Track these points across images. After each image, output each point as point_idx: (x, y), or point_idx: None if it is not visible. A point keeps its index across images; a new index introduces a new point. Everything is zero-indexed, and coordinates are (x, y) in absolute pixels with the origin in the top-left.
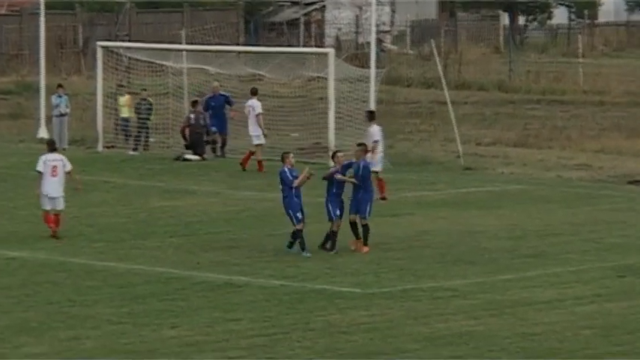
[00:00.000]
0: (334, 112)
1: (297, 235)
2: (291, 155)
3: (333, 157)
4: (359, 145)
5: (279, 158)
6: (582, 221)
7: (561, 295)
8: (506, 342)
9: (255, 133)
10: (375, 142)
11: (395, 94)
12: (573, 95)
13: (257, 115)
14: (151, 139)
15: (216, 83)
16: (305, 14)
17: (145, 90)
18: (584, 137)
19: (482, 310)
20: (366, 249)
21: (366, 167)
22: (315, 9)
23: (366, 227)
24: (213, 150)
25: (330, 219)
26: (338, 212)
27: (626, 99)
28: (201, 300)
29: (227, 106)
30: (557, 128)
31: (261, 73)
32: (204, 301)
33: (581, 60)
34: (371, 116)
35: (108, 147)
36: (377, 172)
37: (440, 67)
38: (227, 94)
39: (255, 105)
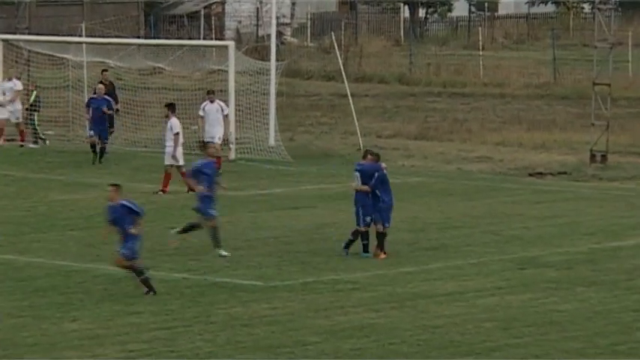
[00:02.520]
0: (234, 105)
1: (362, 236)
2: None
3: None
4: (371, 154)
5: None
6: (483, 214)
7: (462, 288)
8: (407, 334)
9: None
10: (177, 134)
11: (295, 86)
12: (474, 88)
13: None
14: (50, 132)
15: (100, 86)
16: (205, 7)
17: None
18: (485, 130)
19: (383, 302)
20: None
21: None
22: (216, 2)
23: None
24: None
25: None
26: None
27: (527, 91)
28: (102, 293)
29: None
30: (457, 121)
31: (161, 66)
32: (105, 294)
33: (481, 53)
34: (171, 108)
35: (8, 140)
36: (180, 167)
37: (340, 60)
38: (109, 99)
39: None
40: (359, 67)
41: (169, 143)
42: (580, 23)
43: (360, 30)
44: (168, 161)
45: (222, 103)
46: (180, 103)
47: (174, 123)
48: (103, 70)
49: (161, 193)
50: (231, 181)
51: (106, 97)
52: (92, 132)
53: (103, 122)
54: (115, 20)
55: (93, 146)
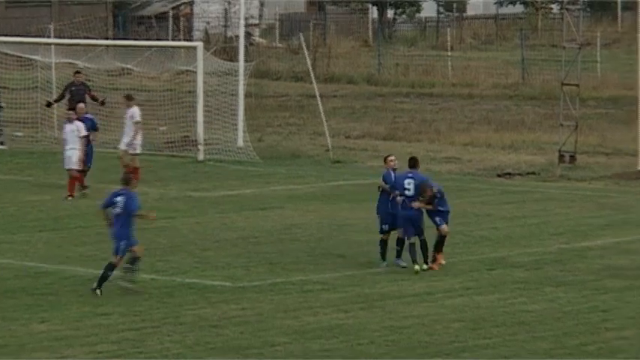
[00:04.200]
0: (203, 106)
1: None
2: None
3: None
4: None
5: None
6: (452, 214)
7: (431, 288)
8: (376, 335)
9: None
10: (137, 123)
11: (264, 87)
12: (442, 88)
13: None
14: (19, 134)
15: (81, 105)
16: (173, 8)
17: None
18: (453, 130)
19: (351, 303)
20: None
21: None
22: (184, 3)
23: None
24: None
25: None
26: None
27: (495, 92)
28: (71, 294)
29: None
30: (426, 121)
31: (129, 66)
32: (74, 295)
33: (449, 53)
34: (130, 97)
35: None
36: (136, 155)
37: (309, 61)
38: (92, 118)
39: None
40: (327, 68)
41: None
42: (548, 24)
43: (328, 31)
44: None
45: (135, 110)
46: (149, 104)
47: (136, 111)
48: (76, 72)
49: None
50: (199, 181)
51: (88, 115)
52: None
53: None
54: (83, 21)
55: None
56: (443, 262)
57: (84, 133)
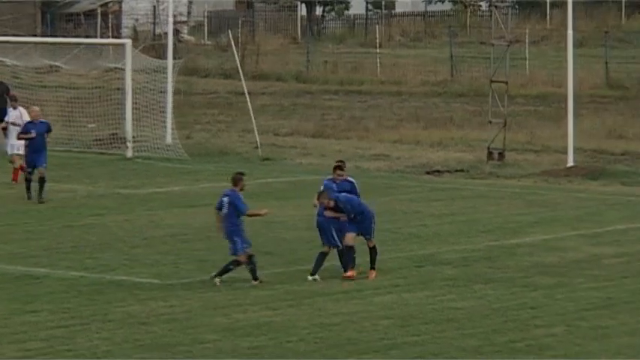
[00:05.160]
0: (131, 103)
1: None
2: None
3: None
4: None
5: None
6: (380, 211)
7: (359, 286)
8: (305, 332)
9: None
10: (12, 123)
11: (192, 84)
12: (371, 86)
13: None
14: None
15: (35, 108)
16: (102, 5)
17: None
18: (382, 127)
19: (280, 300)
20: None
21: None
22: (112, 0)
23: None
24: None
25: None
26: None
27: (424, 89)
28: None
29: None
30: (355, 118)
31: (58, 64)
32: (2, 293)
33: (378, 50)
34: (14, 98)
35: None
36: (21, 155)
37: (237, 58)
38: (47, 122)
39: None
40: (256, 65)
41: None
42: (477, 21)
43: (257, 28)
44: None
45: (23, 111)
46: (77, 102)
47: (24, 112)
48: None
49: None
50: (128, 179)
51: (43, 120)
52: (29, 167)
53: (42, 149)
54: (11, 18)
55: (29, 181)
56: (349, 274)
57: (13, 121)
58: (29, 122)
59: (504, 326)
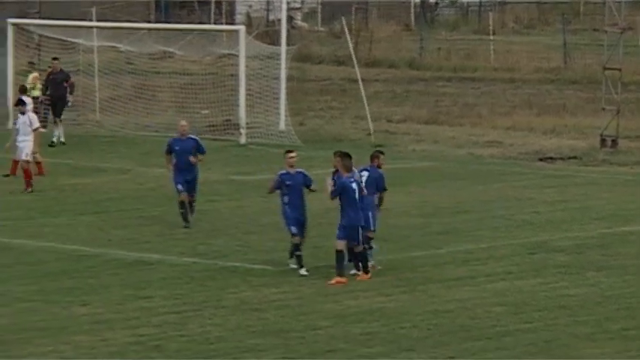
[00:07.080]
0: (245, 90)
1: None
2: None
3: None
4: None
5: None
6: (493, 198)
7: (473, 272)
8: (418, 319)
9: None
10: (36, 129)
11: (306, 71)
12: (484, 72)
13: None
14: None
15: (184, 122)
16: None
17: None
18: (495, 114)
19: (393, 286)
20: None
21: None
22: None
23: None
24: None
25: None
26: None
27: (537, 76)
28: (113, 278)
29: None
30: (468, 105)
31: (171, 50)
32: (116, 278)
33: (492, 37)
34: (22, 103)
35: None
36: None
37: (350, 45)
38: (196, 138)
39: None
40: (369, 52)
41: (23, 138)
42: (590, 8)
43: (370, 15)
44: (24, 156)
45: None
46: (191, 88)
47: (33, 118)
48: (54, 59)
49: (30, 190)
50: (241, 165)
51: (192, 136)
52: (180, 185)
53: (191, 171)
54: (125, 4)
55: (183, 204)
56: (336, 280)
57: (36, 125)
58: (176, 139)
59: (617, 314)
